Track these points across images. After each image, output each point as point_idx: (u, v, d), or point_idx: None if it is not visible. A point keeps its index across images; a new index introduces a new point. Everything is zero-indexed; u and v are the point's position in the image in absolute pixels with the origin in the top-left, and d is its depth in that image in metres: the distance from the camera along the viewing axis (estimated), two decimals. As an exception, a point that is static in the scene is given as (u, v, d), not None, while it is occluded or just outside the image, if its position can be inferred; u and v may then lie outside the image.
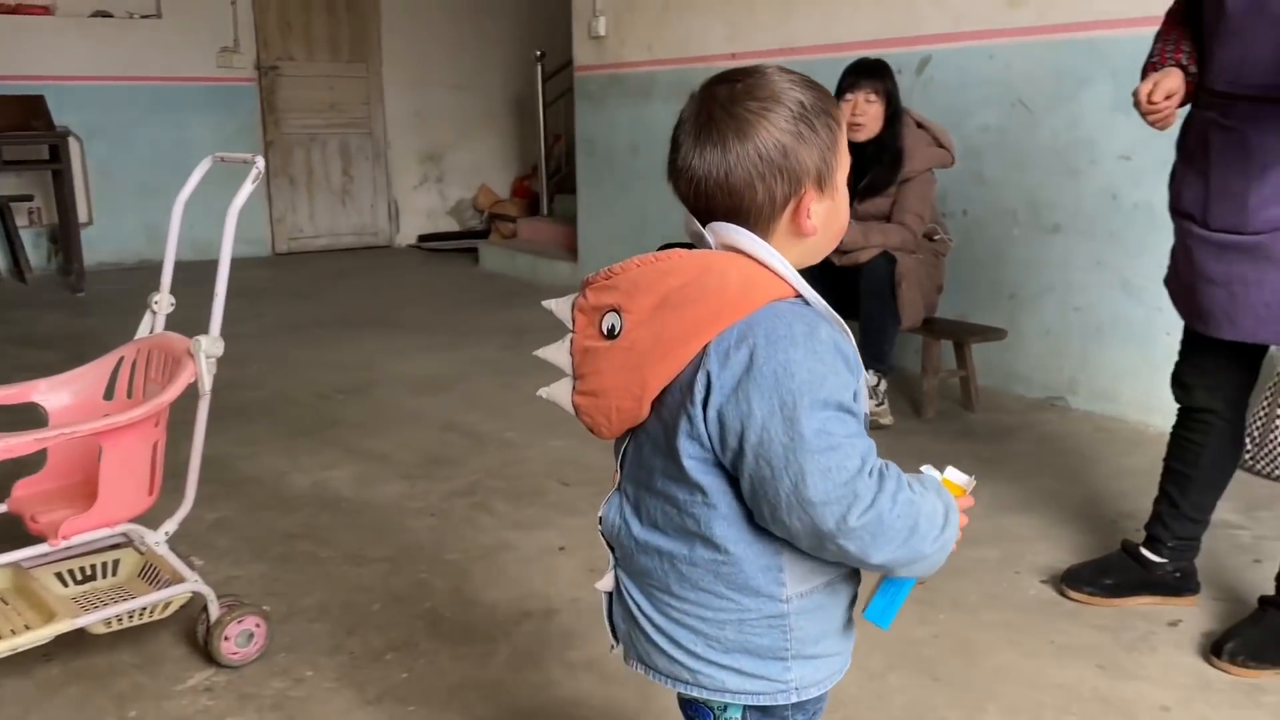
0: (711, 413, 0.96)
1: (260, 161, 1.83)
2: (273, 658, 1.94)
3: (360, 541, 2.48)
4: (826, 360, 0.94)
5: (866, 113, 3.34)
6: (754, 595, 1.02)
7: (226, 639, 1.88)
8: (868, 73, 3.35)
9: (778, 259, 0.98)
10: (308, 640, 2.02)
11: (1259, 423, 2.91)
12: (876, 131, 3.36)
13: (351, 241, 7.58)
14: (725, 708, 1.07)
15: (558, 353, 1.06)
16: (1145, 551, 2.15)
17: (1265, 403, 2.89)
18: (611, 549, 1.11)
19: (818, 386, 0.93)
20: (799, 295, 0.98)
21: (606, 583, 1.12)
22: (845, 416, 0.95)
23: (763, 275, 0.97)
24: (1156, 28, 2.04)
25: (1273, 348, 2.02)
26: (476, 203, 7.99)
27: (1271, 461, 2.86)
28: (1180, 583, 2.15)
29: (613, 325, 1.00)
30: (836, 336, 0.97)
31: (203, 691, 1.84)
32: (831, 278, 3.48)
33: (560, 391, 1.06)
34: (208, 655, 1.90)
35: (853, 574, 1.07)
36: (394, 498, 2.76)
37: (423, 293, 5.83)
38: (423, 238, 7.74)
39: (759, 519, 0.98)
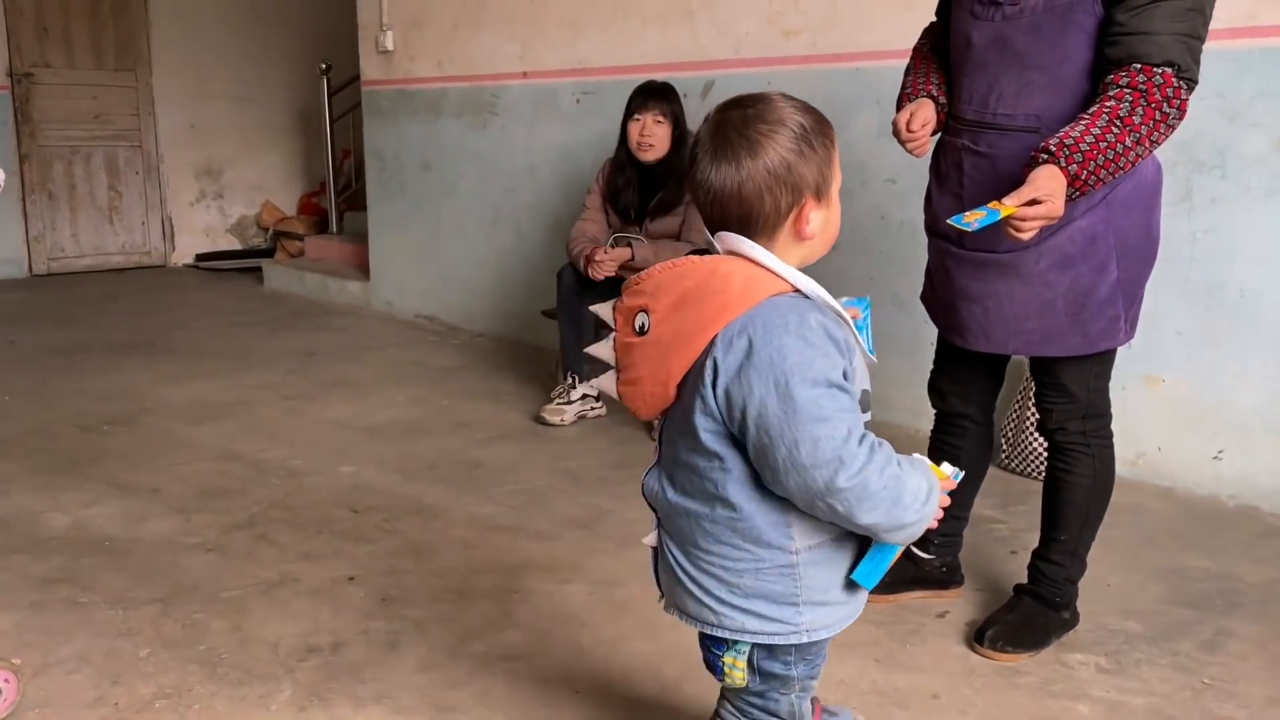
0: (719, 392, 1.16)
1: (1, 174, 1.68)
2: (24, 715, 1.77)
3: (127, 583, 2.31)
4: (816, 344, 1.12)
5: (655, 134, 3.42)
6: (767, 547, 1.21)
7: (-33, 699, 1.70)
8: (655, 95, 3.44)
9: (773, 260, 1.17)
10: (66, 694, 1.85)
11: (1011, 426, 3.17)
12: (665, 152, 3.44)
13: (121, 262, 7.07)
14: (737, 644, 1.27)
15: (604, 349, 1.26)
16: (915, 549, 2.28)
17: (1016, 408, 3.16)
18: (655, 511, 1.32)
19: (808, 366, 1.11)
20: (798, 290, 1.16)
21: (651, 539, 1.35)
22: (835, 392, 1.12)
23: (761, 275, 1.16)
24: (913, 61, 2.19)
25: (1014, 357, 2.19)
26: (260, 220, 7.64)
27: (1024, 460, 3.12)
28: (947, 576, 2.30)
29: (643, 323, 1.19)
30: (828, 323, 1.14)
31: (-62, 760, 1.66)
32: (624, 295, 3.54)
33: (607, 383, 1.26)
34: (-56, 719, 1.72)
35: (855, 534, 1.23)
36: (166, 534, 2.59)
37: (201, 315, 5.51)
38: (201, 257, 7.31)
39: (765, 481, 1.17)
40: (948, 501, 1.21)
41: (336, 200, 6.76)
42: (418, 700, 1.86)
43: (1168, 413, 2.96)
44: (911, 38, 2.24)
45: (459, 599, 2.26)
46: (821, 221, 1.20)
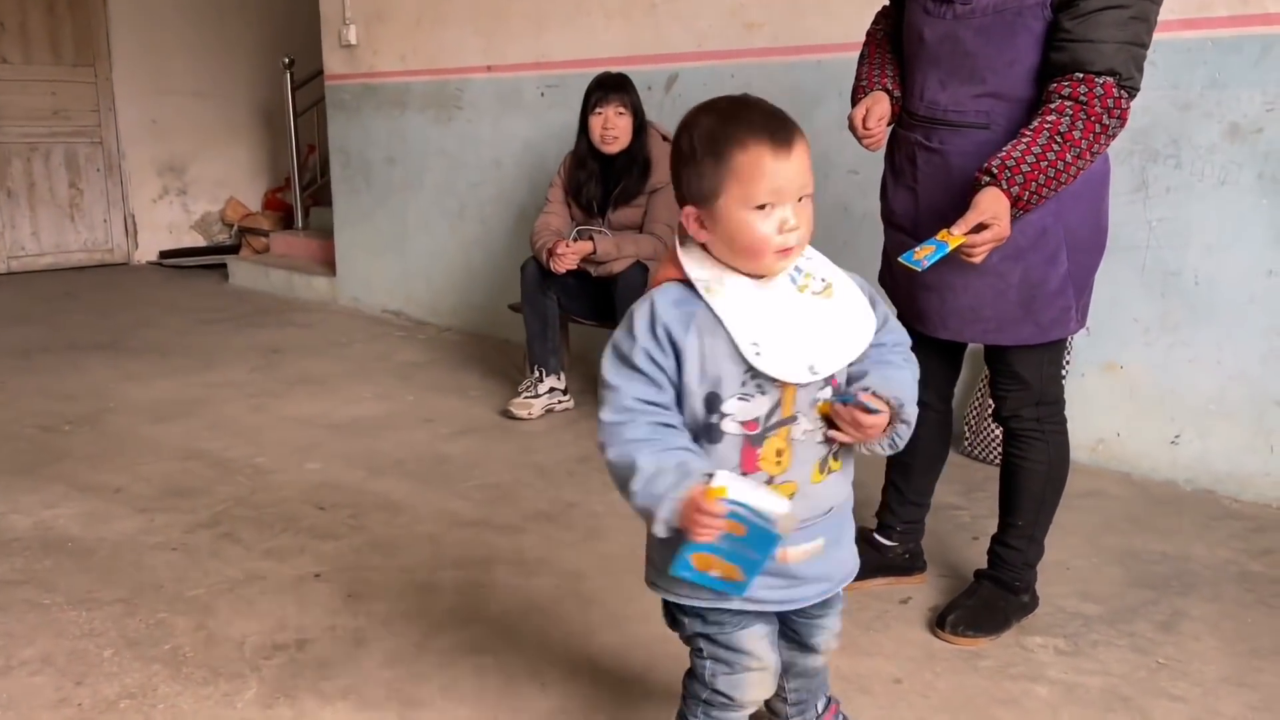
0: None
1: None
2: (-16, 719, 1.76)
3: (90, 584, 2.29)
4: (637, 324, 1.27)
5: (618, 125, 3.43)
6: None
7: (-74, 703, 1.69)
8: (615, 87, 3.44)
9: (679, 250, 1.30)
10: (27, 695, 1.84)
11: (973, 413, 3.21)
12: (627, 144, 3.45)
13: (82, 259, 6.98)
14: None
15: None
16: (878, 536, 2.31)
17: (978, 396, 3.19)
18: None
19: (619, 339, 1.28)
20: (686, 279, 1.28)
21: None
22: (624, 367, 1.27)
23: (671, 264, 1.31)
24: (871, 53, 2.21)
25: (972, 347, 2.22)
26: (224, 216, 7.57)
27: (985, 447, 3.16)
28: (909, 563, 2.33)
29: None
30: (669, 314, 1.25)
31: (-103, 765, 1.65)
32: (591, 288, 3.55)
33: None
34: (-97, 724, 1.70)
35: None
36: (129, 534, 2.57)
37: (164, 313, 5.45)
38: (164, 254, 7.24)
39: None
40: (717, 511, 1.14)
41: (301, 196, 6.71)
42: (384, 695, 1.86)
43: (1126, 399, 3.01)
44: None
45: (425, 593, 2.26)
46: (713, 228, 1.25)
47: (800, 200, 1.22)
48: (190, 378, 4.07)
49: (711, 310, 1.25)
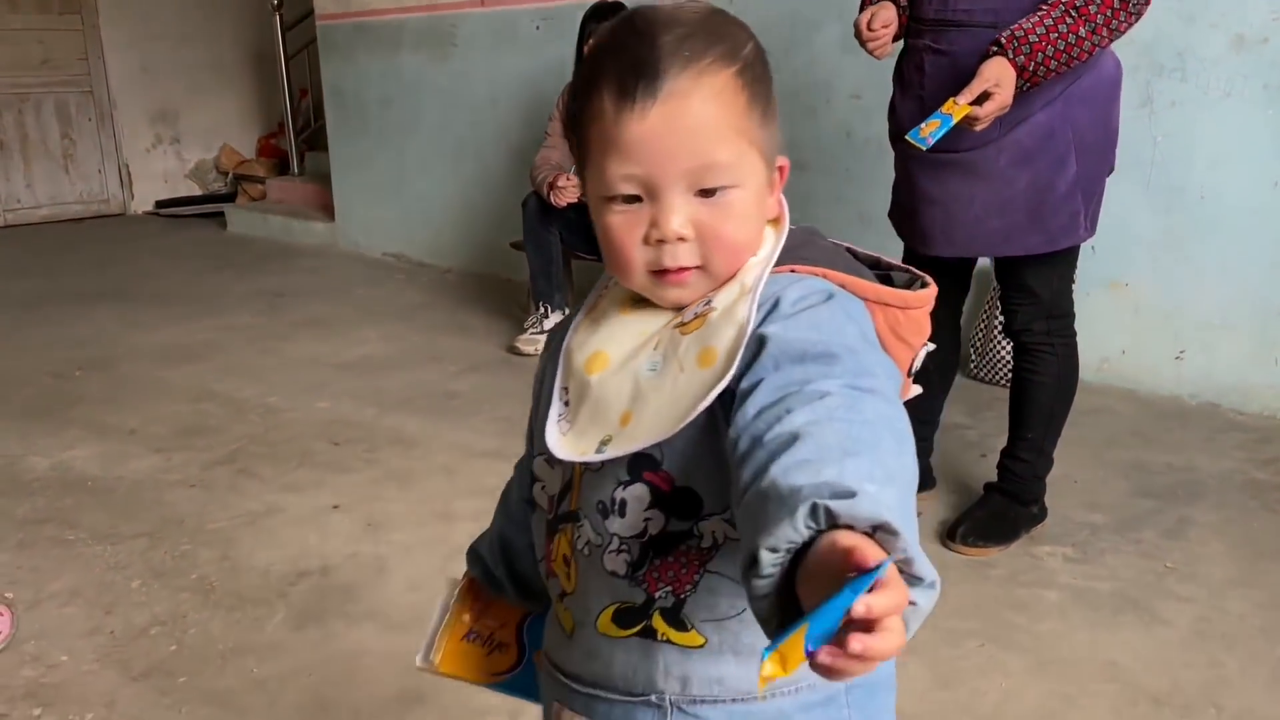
0: None
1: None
2: (21, 647, 1.80)
3: (112, 520, 2.32)
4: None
5: (616, 57, 3.39)
6: None
7: (-37, 633, 1.72)
8: (610, 16, 3.40)
9: None
10: (61, 625, 1.88)
11: (979, 335, 3.22)
12: (627, 75, 3.42)
13: (79, 211, 6.94)
14: None
15: None
16: (888, 454, 2.34)
17: (984, 317, 3.21)
18: None
19: None
20: None
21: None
22: None
23: None
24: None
25: (981, 262, 2.23)
26: (219, 164, 7.51)
27: (992, 368, 3.18)
28: (919, 479, 2.35)
29: None
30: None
31: (-61, 692, 1.69)
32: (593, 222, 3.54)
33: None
34: (-58, 653, 1.74)
35: None
36: (147, 472, 2.60)
37: (165, 262, 5.44)
38: (161, 204, 7.20)
39: None
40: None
41: (296, 141, 6.64)
42: (409, 617, 1.90)
43: (1131, 317, 3.02)
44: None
45: (444, 522, 2.29)
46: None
47: (703, 193, 0.72)
48: (196, 323, 4.08)
49: (573, 322, 0.84)
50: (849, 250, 0.82)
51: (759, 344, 0.68)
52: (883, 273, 0.82)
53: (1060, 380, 2.10)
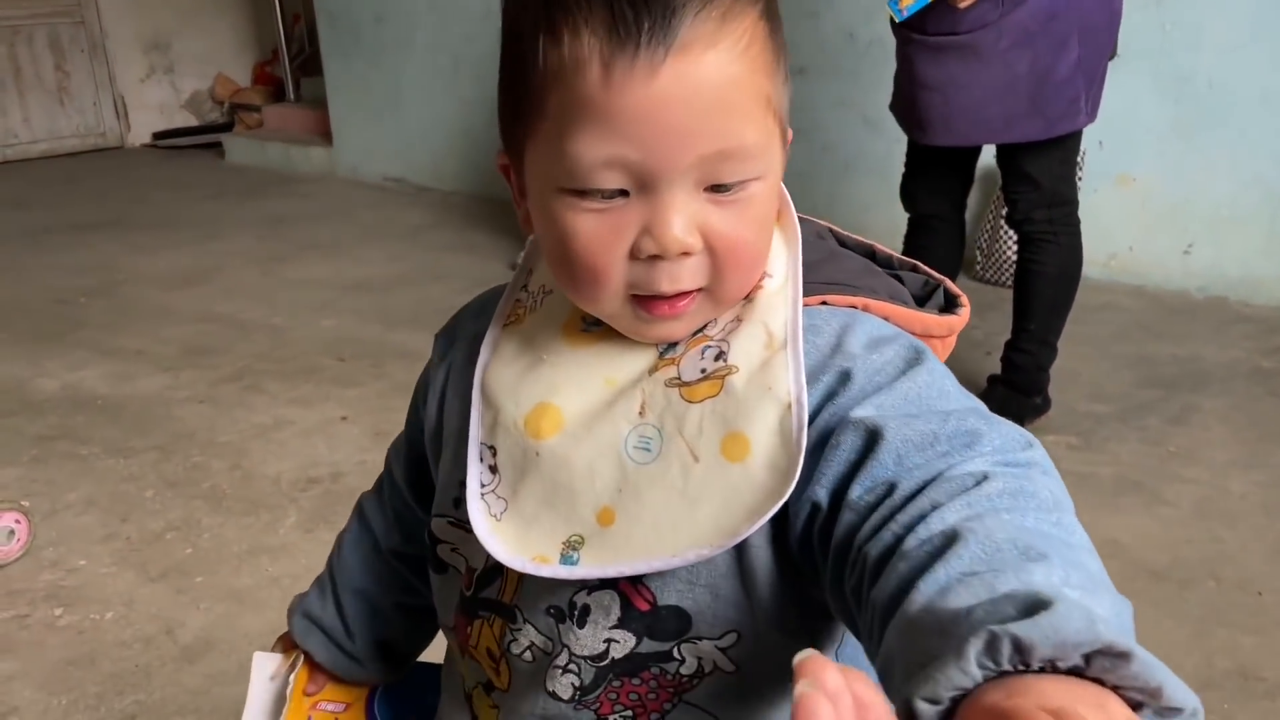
0: None
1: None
2: (39, 553, 1.83)
3: (123, 435, 2.35)
4: None
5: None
6: None
7: (-18, 540, 1.76)
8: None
9: None
10: (77, 532, 1.91)
11: (985, 235, 3.20)
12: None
13: (76, 145, 6.87)
14: None
15: None
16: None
17: (990, 217, 3.18)
18: None
19: None
20: None
21: None
22: None
23: None
24: None
25: (987, 160, 2.20)
26: (215, 94, 7.41)
27: (998, 269, 3.17)
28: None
29: None
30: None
31: (-38, 597, 1.72)
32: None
33: None
34: (-38, 560, 1.77)
35: None
36: (156, 390, 2.62)
37: (164, 190, 5.41)
38: (158, 135, 7.13)
39: None
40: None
41: (291, 67, 6.55)
42: (419, 517, 1.93)
43: (1138, 211, 2.99)
44: None
45: (451, 428, 2.31)
46: (528, 207, 0.57)
47: (715, 189, 0.51)
48: (198, 248, 4.07)
49: (481, 339, 0.63)
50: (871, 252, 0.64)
51: (864, 439, 0.49)
52: (894, 272, 0.63)
53: (1063, 270, 2.09)
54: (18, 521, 1.80)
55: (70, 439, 2.34)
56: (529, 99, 0.51)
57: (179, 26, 7.22)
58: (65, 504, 2.03)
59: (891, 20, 2.08)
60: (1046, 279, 2.09)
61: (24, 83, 6.66)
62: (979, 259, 3.19)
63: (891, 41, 2.14)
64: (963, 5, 1.77)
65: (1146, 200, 2.97)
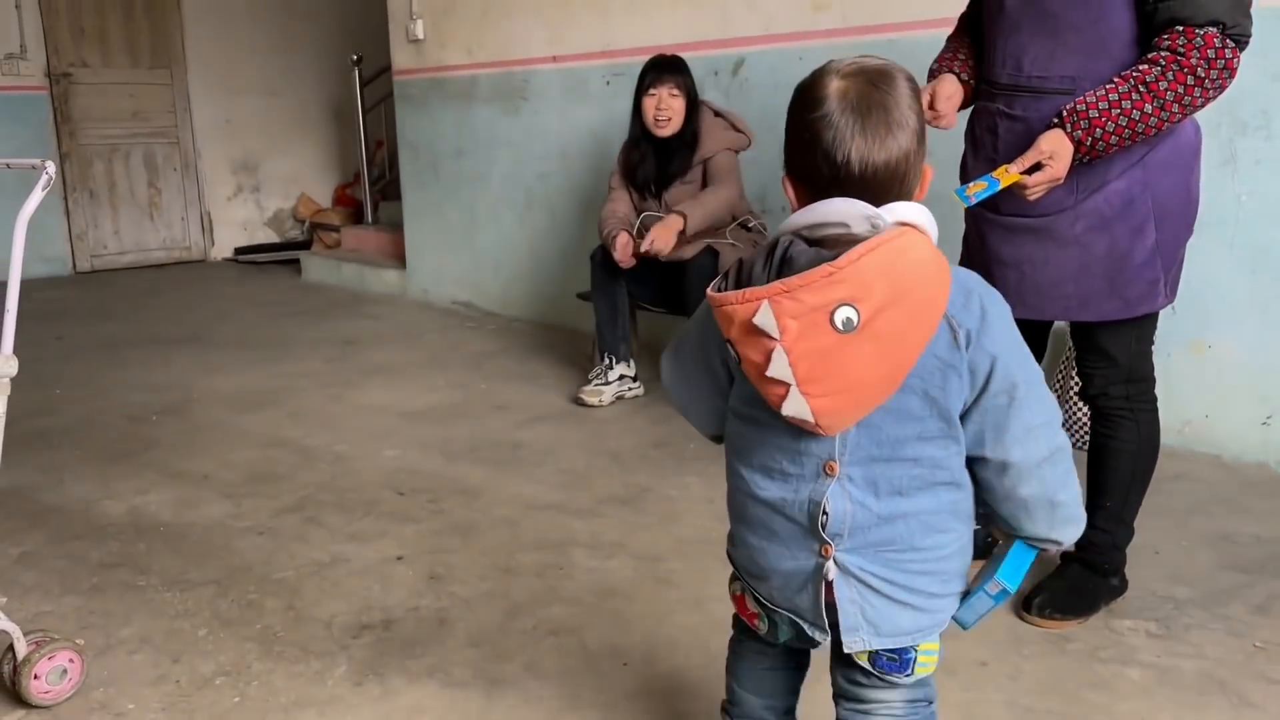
0: (968, 361, 1.09)
1: (51, 166, 1.72)
2: (89, 693, 1.82)
3: (183, 566, 2.36)
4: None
5: (671, 107, 3.43)
6: (967, 521, 1.17)
7: (36, 677, 1.75)
8: (670, 68, 3.45)
9: (934, 229, 1.09)
10: (128, 672, 1.90)
11: (1055, 395, 3.14)
12: (680, 126, 3.45)
13: (161, 257, 7.18)
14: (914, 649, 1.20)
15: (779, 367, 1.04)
16: (959, 519, 2.28)
17: (1060, 377, 3.13)
18: (829, 542, 1.14)
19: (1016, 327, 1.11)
20: None
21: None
22: None
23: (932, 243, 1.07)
24: (948, 30, 2.18)
25: (1056, 324, 2.18)
26: (297, 213, 7.72)
27: (1069, 430, 3.09)
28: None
29: (849, 318, 1.00)
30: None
31: (10, 736, 1.72)
32: (660, 275, 3.55)
33: (799, 405, 1.04)
34: (17, 696, 1.77)
35: None
36: (218, 518, 2.64)
37: (242, 307, 5.59)
38: (240, 250, 7.42)
39: (982, 452, 1.12)
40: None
41: (371, 190, 6.81)
42: (469, 674, 1.89)
43: (1214, 379, 2.92)
44: (942, 7, 2.22)
45: (505, 575, 2.29)
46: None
47: None
48: (269, 369, 4.16)
49: None
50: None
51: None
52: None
53: (1140, 447, 2.03)
54: (71, 661, 1.80)
55: (130, 567, 2.36)
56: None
57: (267, 148, 7.58)
58: (119, 639, 2.03)
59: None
60: (1123, 456, 2.03)
61: (118, 197, 7.00)
62: (1048, 418, 3.13)
63: (953, 198, 2.15)
64: (1031, 196, 1.78)
65: (1223, 369, 2.90)
